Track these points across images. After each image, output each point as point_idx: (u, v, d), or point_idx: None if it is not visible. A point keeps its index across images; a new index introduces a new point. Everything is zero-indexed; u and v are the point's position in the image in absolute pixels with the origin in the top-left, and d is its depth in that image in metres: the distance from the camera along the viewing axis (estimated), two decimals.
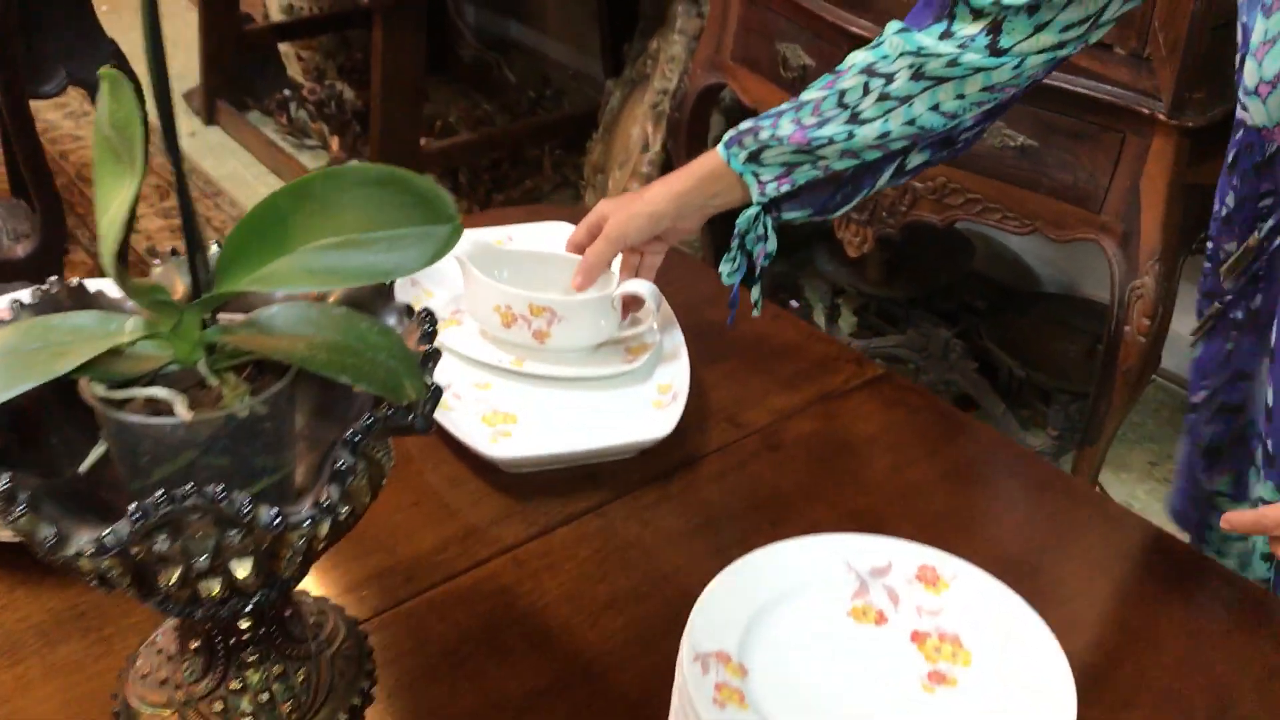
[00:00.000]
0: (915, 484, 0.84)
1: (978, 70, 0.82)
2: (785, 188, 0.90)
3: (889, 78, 0.84)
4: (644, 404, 0.88)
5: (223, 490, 0.47)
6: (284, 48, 3.30)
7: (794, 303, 2.38)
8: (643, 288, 0.92)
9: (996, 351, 1.96)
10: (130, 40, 3.71)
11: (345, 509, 0.55)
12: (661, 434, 0.83)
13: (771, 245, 0.93)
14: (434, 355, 0.57)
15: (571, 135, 2.84)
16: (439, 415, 0.84)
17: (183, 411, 0.49)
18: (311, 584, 0.71)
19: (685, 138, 2.08)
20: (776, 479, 0.83)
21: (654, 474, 0.83)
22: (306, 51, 3.24)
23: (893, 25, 0.86)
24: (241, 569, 0.51)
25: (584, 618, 0.71)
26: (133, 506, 0.46)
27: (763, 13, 1.87)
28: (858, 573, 0.65)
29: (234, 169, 2.96)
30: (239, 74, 3.21)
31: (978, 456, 0.88)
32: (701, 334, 0.97)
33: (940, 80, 0.83)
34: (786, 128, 0.87)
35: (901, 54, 0.83)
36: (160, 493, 0.46)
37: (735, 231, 0.93)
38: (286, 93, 3.10)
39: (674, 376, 0.90)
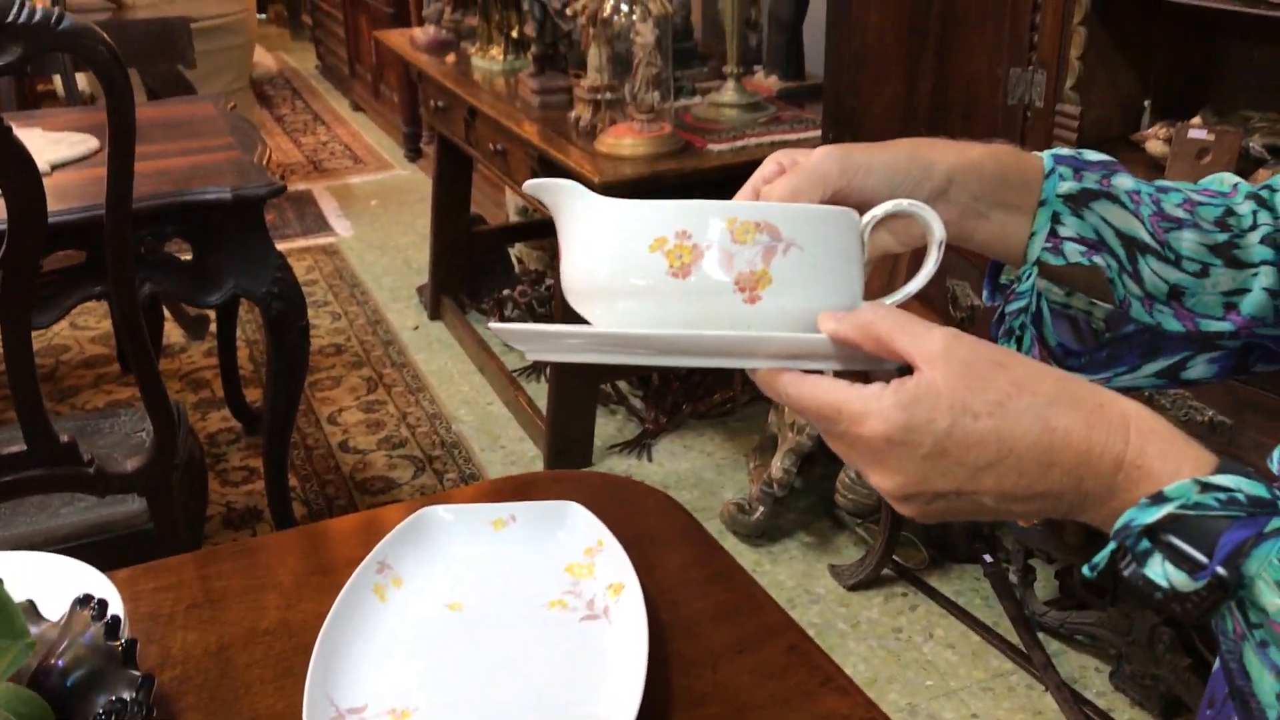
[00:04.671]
0: None
1: None
2: (1078, 259, 0.65)
3: None
4: None
5: None
6: (515, 250, 3.41)
7: (987, 557, 2.10)
8: (921, 211, 0.60)
9: (1204, 651, 1.61)
10: (400, 224, 3.95)
11: None
12: None
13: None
14: None
15: None
16: None
17: None
18: None
19: None
20: None
21: None
22: (531, 253, 3.32)
23: None
24: None
25: None
26: None
27: None
28: None
29: (443, 365, 3.03)
30: (470, 273, 3.34)
31: None
32: (690, 653, 0.79)
33: None
34: (1146, 205, 0.66)
35: None
36: None
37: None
38: (505, 292, 3.18)
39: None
